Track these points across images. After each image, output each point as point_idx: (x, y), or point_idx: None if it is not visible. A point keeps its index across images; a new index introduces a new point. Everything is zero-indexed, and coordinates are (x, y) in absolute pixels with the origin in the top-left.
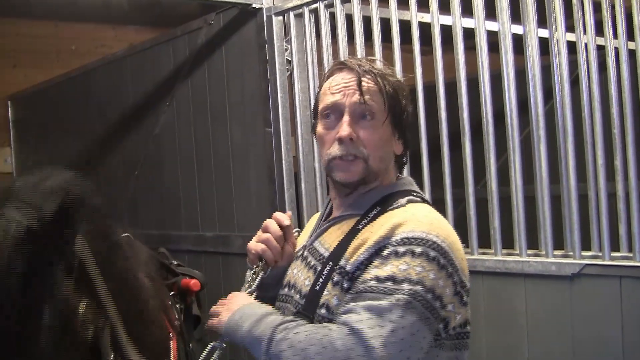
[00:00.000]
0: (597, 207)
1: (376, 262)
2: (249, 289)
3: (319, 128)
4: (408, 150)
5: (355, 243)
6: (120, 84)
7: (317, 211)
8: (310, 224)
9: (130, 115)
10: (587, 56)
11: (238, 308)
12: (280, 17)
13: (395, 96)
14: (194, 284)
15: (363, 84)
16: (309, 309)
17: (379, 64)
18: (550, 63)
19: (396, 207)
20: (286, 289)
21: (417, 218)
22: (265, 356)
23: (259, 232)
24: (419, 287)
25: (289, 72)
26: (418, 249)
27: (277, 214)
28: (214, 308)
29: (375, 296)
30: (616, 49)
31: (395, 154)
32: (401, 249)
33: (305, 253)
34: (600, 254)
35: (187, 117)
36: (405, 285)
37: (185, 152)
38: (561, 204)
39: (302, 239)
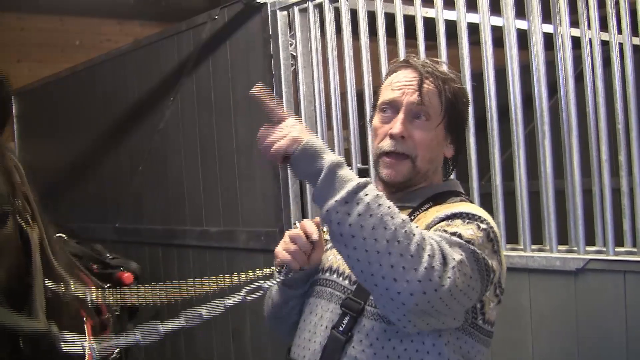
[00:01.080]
0: (602, 202)
1: (443, 223)
2: (260, 286)
3: (375, 120)
4: (460, 154)
5: None
6: (125, 79)
7: None
8: None
9: (135, 109)
10: (591, 51)
11: (316, 138)
12: (285, 12)
13: (454, 101)
14: (127, 277)
15: (424, 85)
16: (361, 295)
17: (444, 67)
18: (555, 58)
19: (450, 203)
20: (327, 274)
21: (475, 207)
22: (349, 195)
23: (287, 238)
24: (478, 251)
25: (294, 67)
26: (483, 225)
27: (307, 225)
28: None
29: (447, 236)
30: (620, 44)
31: (445, 156)
32: (468, 219)
33: None
34: (604, 249)
35: (191, 112)
36: (470, 245)
37: (189, 147)
38: (565, 199)
39: None
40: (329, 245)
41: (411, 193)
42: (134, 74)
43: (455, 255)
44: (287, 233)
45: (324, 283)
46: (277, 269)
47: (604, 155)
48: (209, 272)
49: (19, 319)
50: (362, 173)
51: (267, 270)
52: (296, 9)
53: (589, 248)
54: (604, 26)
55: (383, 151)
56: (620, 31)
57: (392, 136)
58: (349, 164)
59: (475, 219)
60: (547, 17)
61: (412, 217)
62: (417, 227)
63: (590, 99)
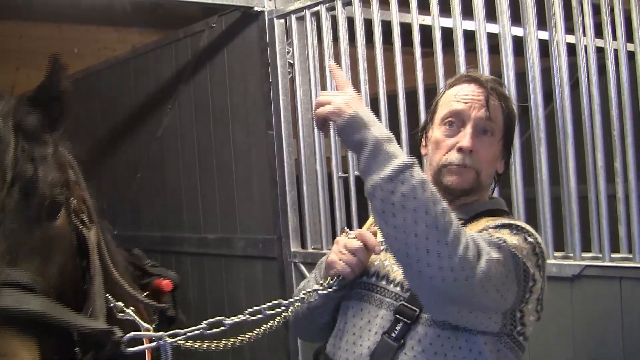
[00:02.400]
0: (597, 209)
1: (490, 230)
2: (317, 290)
3: (437, 134)
4: (504, 172)
5: None
6: (123, 86)
7: (320, 213)
8: None
9: (133, 117)
10: (586, 58)
11: (366, 110)
12: (282, 20)
13: (511, 119)
14: (166, 284)
15: (491, 101)
16: (416, 303)
17: (500, 86)
18: (550, 65)
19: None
20: (374, 279)
21: (525, 225)
22: (395, 173)
23: (343, 248)
24: (523, 260)
25: (291, 74)
26: (530, 239)
27: (368, 238)
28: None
29: (489, 238)
30: (615, 51)
31: (497, 172)
32: (516, 231)
33: None
34: (600, 256)
35: (189, 119)
36: (513, 250)
37: (187, 154)
38: (561, 205)
39: None
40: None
41: (462, 206)
42: (132, 81)
43: (493, 253)
44: (344, 243)
45: (370, 288)
46: (324, 280)
47: (600, 162)
48: (207, 279)
49: (73, 315)
50: (359, 180)
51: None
52: (293, 17)
53: (585, 254)
54: (599, 33)
55: (449, 162)
56: (615, 38)
57: (460, 149)
58: (346, 171)
59: (524, 232)
60: (542, 24)
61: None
62: (457, 219)
63: (585, 106)
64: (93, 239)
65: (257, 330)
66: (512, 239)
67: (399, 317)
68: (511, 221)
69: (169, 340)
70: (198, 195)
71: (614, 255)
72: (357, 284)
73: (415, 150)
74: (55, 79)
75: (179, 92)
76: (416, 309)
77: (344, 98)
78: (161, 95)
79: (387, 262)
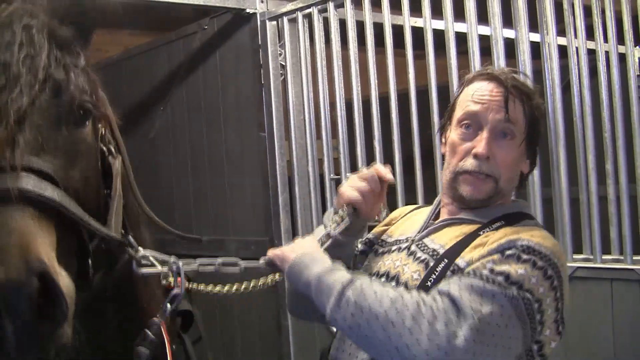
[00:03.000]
0: (589, 210)
1: (495, 257)
2: (328, 233)
3: (454, 136)
4: (533, 168)
5: (475, 242)
6: (116, 88)
7: (312, 215)
8: (410, 218)
9: (126, 119)
10: (578, 60)
11: (308, 251)
12: (274, 22)
13: (536, 117)
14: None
15: (511, 101)
16: None
17: (522, 77)
18: (542, 67)
19: (524, 225)
20: (383, 279)
21: (543, 236)
22: (337, 300)
23: (355, 178)
24: (528, 294)
25: (283, 76)
26: (540, 263)
27: (380, 167)
28: (273, 250)
29: (482, 282)
30: (607, 53)
31: (522, 173)
32: (524, 256)
33: (413, 247)
34: (591, 257)
35: (182, 121)
36: (515, 288)
37: (180, 156)
38: (553, 207)
39: (398, 231)
40: (386, 249)
41: (481, 210)
42: (125, 83)
43: (483, 308)
44: (354, 175)
45: None
46: (337, 214)
47: (591, 164)
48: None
49: (88, 218)
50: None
51: (336, 217)
52: (285, 19)
53: (576, 256)
54: (590, 35)
55: (464, 170)
56: (606, 40)
57: (476, 156)
58: (338, 173)
59: (534, 254)
60: (534, 26)
61: (481, 233)
62: (409, 294)
63: (577, 108)
64: (118, 167)
65: (271, 277)
66: (518, 269)
67: None
68: (528, 236)
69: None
70: (190, 197)
71: (605, 257)
72: None
73: (407, 151)
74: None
75: (171, 94)
76: None
77: (291, 246)
78: (154, 97)
79: (398, 263)
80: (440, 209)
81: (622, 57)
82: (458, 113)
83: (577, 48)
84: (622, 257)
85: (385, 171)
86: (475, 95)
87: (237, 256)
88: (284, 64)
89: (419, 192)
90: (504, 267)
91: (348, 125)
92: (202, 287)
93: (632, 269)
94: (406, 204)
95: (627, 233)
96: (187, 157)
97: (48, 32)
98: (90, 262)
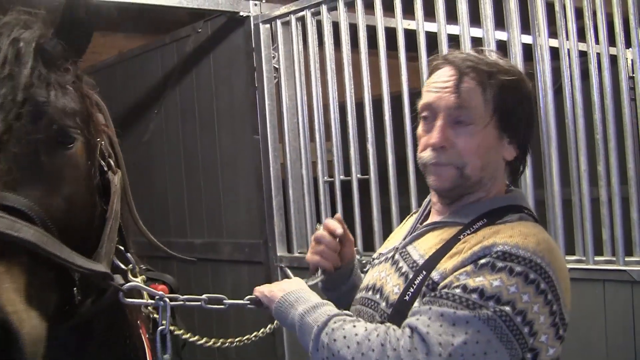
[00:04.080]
0: (581, 212)
1: (468, 268)
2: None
3: (419, 129)
4: (526, 154)
5: (452, 251)
6: (110, 91)
7: (305, 217)
8: (403, 225)
9: (119, 122)
10: (569, 62)
11: (294, 290)
12: (268, 25)
13: (505, 96)
14: (162, 289)
15: (464, 84)
16: (396, 320)
17: (493, 56)
18: (534, 69)
19: (505, 222)
20: (370, 293)
21: (524, 235)
22: (315, 343)
23: (313, 243)
24: (507, 308)
25: (276, 79)
26: (518, 268)
27: (329, 223)
28: (259, 288)
29: (455, 305)
30: (598, 55)
31: (506, 160)
32: (499, 264)
33: (397, 256)
34: (584, 259)
35: (175, 124)
36: (492, 304)
37: (173, 159)
38: (546, 209)
39: (394, 239)
40: (379, 260)
41: (466, 207)
42: (119, 86)
43: (455, 339)
44: (313, 237)
45: (365, 302)
46: (314, 276)
47: (583, 166)
48: (193, 284)
49: (68, 252)
50: (345, 184)
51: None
52: (279, 22)
53: (568, 257)
54: (582, 37)
55: (424, 162)
56: (598, 41)
57: (432, 147)
58: (332, 175)
59: (511, 259)
60: (526, 28)
61: (461, 237)
62: (377, 333)
63: (569, 110)
64: (116, 183)
65: (255, 333)
66: (493, 282)
67: None
68: (502, 242)
69: (169, 301)
70: (184, 199)
71: (597, 258)
72: (356, 299)
73: (400, 153)
74: (77, 5)
75: (165, 97)
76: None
77: (279, 285)
78: (148, 100)
79: (383, 274)
80: (431, 209)
81: (614, 59)
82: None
83: (568, 50)
84: (614, 259)
85: (334, 226)
86: (430, 84)
87: (232, 259)
88: (277, 66)
89: (412, 194)
90: (478, 281)
91: (341, 128)
92: (201, 340)
93: (624, 270)
94: (399, 207)
95: (619, 234)
96: (180, 160)
97: (36, 47)
98: (75, 290)
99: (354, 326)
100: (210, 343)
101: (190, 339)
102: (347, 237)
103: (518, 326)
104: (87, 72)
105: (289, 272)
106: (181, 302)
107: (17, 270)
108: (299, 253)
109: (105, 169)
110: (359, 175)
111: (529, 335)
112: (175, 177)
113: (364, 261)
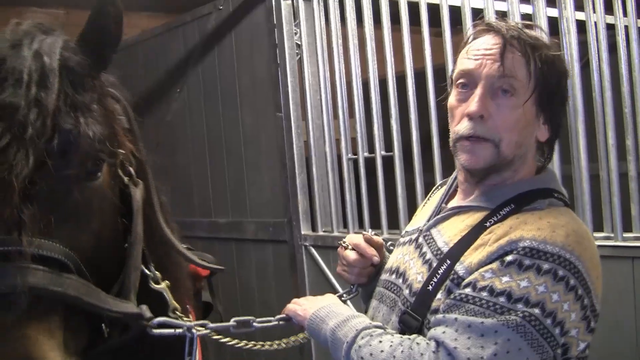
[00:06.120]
0: (609, 188)
1: (494, 266)
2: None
3: (451, 99)
4: (557, 138)
5: (477, 242)
6: (132, 71)
7: (329, 195)
8: (432, 201)
9: (142, 102)
10: (596, 35)
11: (325, 305)
12: (289, 1)
13: (547, 72)
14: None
15: (507, 53)
16: (419, 311)
17: (536, 31)
18: (560, 43)
19: (534, 209)
20: (393, 276)
21: (552, 227)
22: (345, 359)
23: (343, 260)
24: (536, 310)
25: (299, 56)
26: (546, 265)
27: (363, 249)
28: (295, 300)
29: (481, 311)
30: (626, 27)
31: (539, 141)
32: (527, 262)
33: (421, 239)
34: (612, 235)
35: (198, 103)
36: (521, 306)
37: (196, 138)
38: (573, 184)
39: (420, 217)
40: (404, 239)
41: (492, 190)
42: (141, 66)
43: (486, 352)
44: (342, 255)
45: (388, 286)
46: (350, 290)
47: (611, 140)
48: (218, 263)
49: (104, 298)
50: (369, 161)
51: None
52: None
53: (596, 234)
54: (609, 9)
55: (460, 136)
56: (625, 14)
57: (469, 116)
58: (355, 152)
59: (538, 256)
60: (551, 1)
61: (487, 224)
62: (401, 348)
63: (596, 83)
64: (139, 199)
65: (284, 339)
66: (520, 282)
67: (403, 327)
68: (530, 236)
69: (197, 331)
70: (208, 179)
71: (626, 235)
72: (380, 280)
73: (424, 130)
74: (105, 13)
75: (187, 76)
76: (419, 318)
77: (312, 302)
78: (170, 79)
79: (407, 257)
80: (457, 186)
81: None
82: (454, 73)
83: (595, 23)
84: None
85: (369, 253)
86: (470, 51)
87: (256, 238)
88: (299, 43)
89: (437, 170)
90: (505, 282)
91: (365, 104)
92: (233, 342)
93: None
94: (424, 183)
95: None
96: (204, 139)
97: (61, 62)
98: (104, 326)
99: (380, 341)
100: (242, 344)
101: (221, 340)
102: (375, 244)
103: (548, 328)
104: (114, 91)
105: (313, 250)
106: (208, 332)
107: (56, 323)
108: (324, 232)
109: (126, 180)
110: (383, 152)
111: (560, 335)
112: (198, 156)
113: (391, 248)
